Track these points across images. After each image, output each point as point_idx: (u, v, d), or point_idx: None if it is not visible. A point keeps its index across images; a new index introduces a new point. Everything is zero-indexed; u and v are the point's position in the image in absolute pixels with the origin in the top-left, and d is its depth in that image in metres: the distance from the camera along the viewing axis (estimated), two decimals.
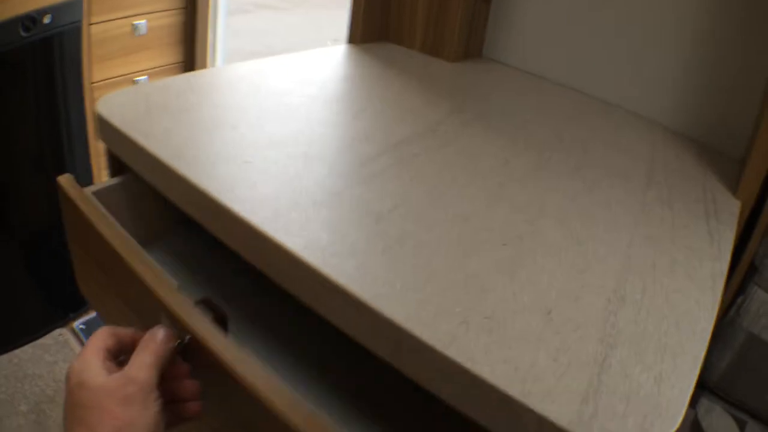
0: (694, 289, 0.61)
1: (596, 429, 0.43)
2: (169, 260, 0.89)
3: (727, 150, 1.00)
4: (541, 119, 1.01)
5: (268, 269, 0.62)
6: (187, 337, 0.55)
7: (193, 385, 0.55)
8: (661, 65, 1.07)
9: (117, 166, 0.86)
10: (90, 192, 0.78)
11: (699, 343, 0.54)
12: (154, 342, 0.52)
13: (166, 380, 0.53)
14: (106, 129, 0.81)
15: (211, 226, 0.68)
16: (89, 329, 1.82)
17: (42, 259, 1.69)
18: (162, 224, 0.92)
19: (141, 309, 0.63)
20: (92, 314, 1.85)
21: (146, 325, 0.56)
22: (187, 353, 0.55)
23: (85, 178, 1.86)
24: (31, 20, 1.46)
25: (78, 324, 1.83)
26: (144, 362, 0.50)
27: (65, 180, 0.77)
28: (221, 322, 0.64)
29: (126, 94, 0.87)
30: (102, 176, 1.97)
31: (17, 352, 1.76)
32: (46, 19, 1.50)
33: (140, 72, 2.05)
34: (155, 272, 0.61)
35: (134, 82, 2.03)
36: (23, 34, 1.45)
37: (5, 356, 1.74)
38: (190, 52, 2.19)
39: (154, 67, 2.09)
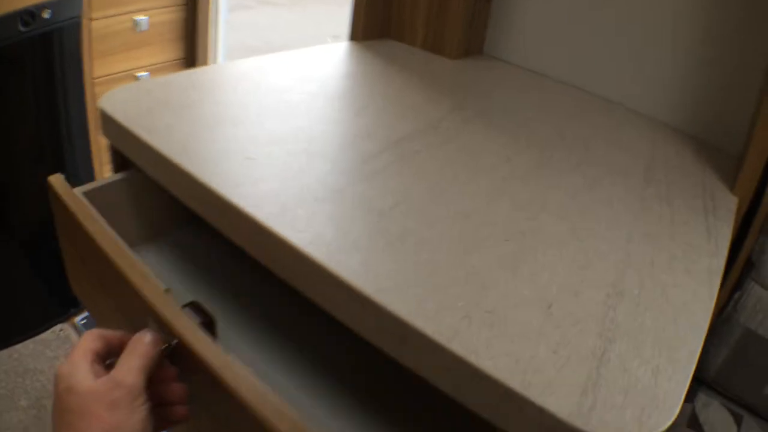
0: (691, 284, 0.62)
1: (595, 420, 0.44)
2: (171, 256, 0.90)
3: (726, 147, 1.01)
4: (542, 117, 1.02)
5: (272, 264, 0.63)
6: (175, 340, 0.54)
7: (180, 389, 0.55)
8: (660, 63, 1.08)
9: (120, 161, 0.87)
10: (80, 192, 0.78)
11: (696, 338, 0.55)
12: (142, 345, 0.52)
13: (153, 383, 0.53)
14: (110, 125, 0.81)
15: (215, 221, 0.69)
16: (90, 325, 1.82)
17: (42, 255, 1.69)
18: (164, 220, 0.93)
19: (130, 310, 0.63)
20: None
21: (136, 327, 0.56)
22: (175, 357, 0.55)
23: (86, 173, 1.86)
24: (30, 15, 1.45)
25: (79, 319, 1.83)
26: (131, 366, 0.50)
27: (55, 180, 0.76)
28: (209, 325, 0.63)
29: (128, 90, 0.88)
30: (103, 172, 1.97)
31: (18, 347, 1.76)
32: (46, 14, 1.49)
33: (141, 68, 2.05)
34: (143, 275, 0.60)
35: (135, 78, 2.04)
36: (22, 29, 1.45)
37: (5, 351, 1.74)
38: (191, 48, 2.19)
39: (156, 63, 2.09)
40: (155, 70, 2.09)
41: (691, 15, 1.01)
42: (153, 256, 0.89)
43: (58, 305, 1.80)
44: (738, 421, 0.96)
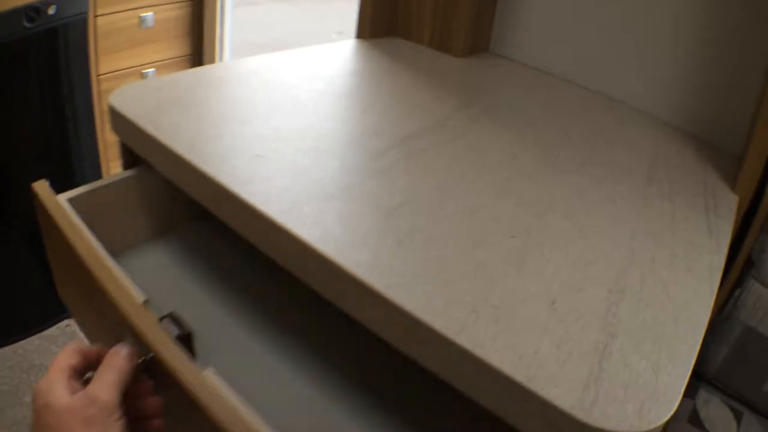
0: (692, 281, 0.63)
1: (597, 413, 0.45)
2: (179, 253, 0.91)
3: (728, 146, 1.02)
4: (547, 115, 1.03)
5: (282, 260, 0.64)
6: (151, 354, 0.54)
7: (156, 403, 0.56)
8: (663, 62, 1.08)
9: (130, 158, 0.88)
10: (65, 198, 0.77)
11: (695, 333, 0.56)
12: (117, 360, 0.52)
13: (130, 397, 0.53)
14: (119, 121, 0.82)
15: (226, 218, 0.70)
16: None
17: (46, 253, 1.70)
18: (172, 217, 0.94)
19: (110, 321, 0.62)
20: None
21: (116, 337, 0.57)
22: (152, 370, 0.55)
23: (92, 169, 1.87)
24: (35, 11, 1.45)
25: None
26: (106, 382, 0.50)
27: (39, 186, 0.76)
28: (186, 339, 0.63)
29: (137, 87, 0.89)
30: (110, 168, 1.98)
31: (23, 343, 1.76)
32: (51, 10, 1.50)
33: (147, 64, 2.05)
34: (121, 286, 0.60)
35: (141, 75, 2.04)
36: (27, 24, 1.45)
37: (10, 347, 1.74)
38: (198, 44, 2.19)
39: (162, 60, 2.09)
40: (161, 66, 2.09)
41: (693, 14, 1.02)
42: (160, 253, 0.90)
43: (59, 304, 1.81)
44: (738, 417, 0.96)
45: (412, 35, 1.29)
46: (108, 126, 1.90)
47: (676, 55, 1.06)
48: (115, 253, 0.85)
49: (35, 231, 1.63)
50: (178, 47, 2.14)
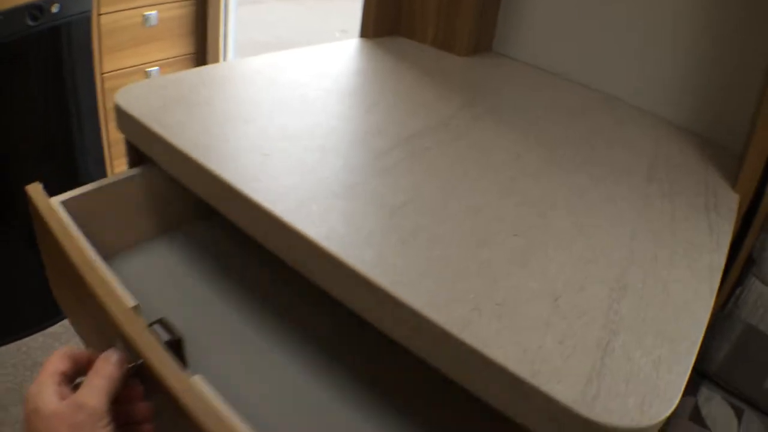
0: (692, 279, 0.63)
1: (599, 408, 0.46)
2: (184, 251, 0.91)
3: (729, 145, 1.02)
4: (550, 114, 1.03)
5: (289, 258, 0.65)
6: (140, 360, 0.54)
7: (145, 408, 0.56)
8: (666, 61, 1.09)
9: (135, 156, 0.89)
10: (58, 201, 0.77)
11: (696, 331, 0.56)
12: (107, 366, 0.52)
13: (120, 403, 0.54)
14: (125, 120, 0.83)
15: (233, 216, 0.71)
16: None
17: None
18: (171, 218, 0.94)
19: (102, 325, 0.62)
20: None
21: (108, 341, 0.57)
22: (142, 375, 0.55)
23: (97, 167, 1.88)
24: (38, 9, 1.46)
25: None
26: (95, 387, 0.51)
27: (32, 189, 0.75)
28: (176, 344, 0.63)
29: (143, 86, 0.89)
30: (115, 165, 1.99)
31: (27, 340, 1.77)
32: (54, 9, 1.50)
33: (151, 63, 2.06)
34: (111, 291, 0.60)
35: (145, 73, 2.05)
36: (30, 23, 1.45)
37: (14, 345, 1.75)
38: (202, 43, 2.20)
39: (165, 58, 2.10)
40: (165, 65, 2.10)
41: (694, 14, 1.03)
42: (159, 253, 0.90)
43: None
44: (739, 415, 0.97)
45: (416, 34, 1.30)
46: (112, 124, 1.91)
47: (678, 55, 1.07)
48: (113, 255, 0.86)
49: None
50: (182, 46, 2.14)
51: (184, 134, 0.77)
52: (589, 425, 0.46)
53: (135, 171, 0.87)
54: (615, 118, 1.07)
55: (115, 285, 0.61)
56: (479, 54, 1.29)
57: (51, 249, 0.72)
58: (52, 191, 0.79)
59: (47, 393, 0.49)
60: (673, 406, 0.48)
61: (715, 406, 0.98)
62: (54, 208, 0.73)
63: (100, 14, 1.80)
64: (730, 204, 0.81)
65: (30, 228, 0.77)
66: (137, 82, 0.90)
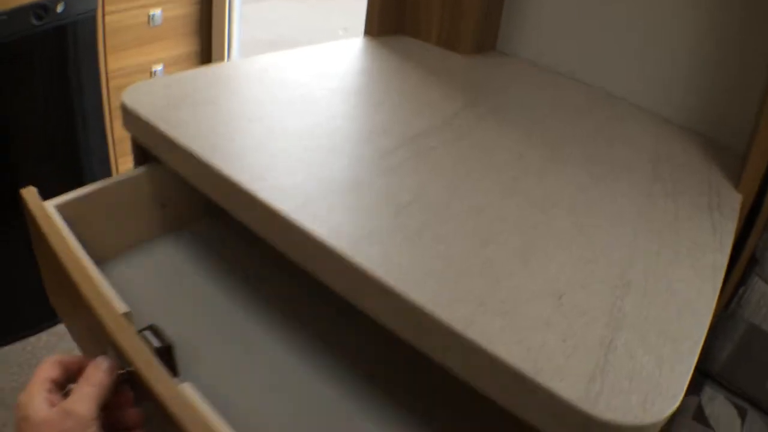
0: (695, 278, 0.64)
1: (602, 405, 0.46)
2: (190, 249, 0.92)
3: (732, 145, 1.02)
4: (554, 113, 1.03)
5: (295, 255, 0.66)
6: (130, 367, 0.54)
7: (136, 414, 0.56)
8: (670, 61, 1.09)
9: (141, 155, 0.90)
10: (53, 205, 0.77)
11: (699, 329, 0.57)
12: (97, 373, 0.53)
13: (111, 409, 0.54)
14: (132, 119, 0.84)
15: (239, 214, 0.72)
16: None
17: None
18: (178, 216, 0.95)
19: (94, 330, 0.61)
20: None
21: (101, 347, 0.57)
22: (133, 382, 0.55)
23: (102, 165, 1.88)
24: (43, 9, 1.47)
25: None
26: (84, 394, 0.51)
27: (27, 192, 0.75)
28: (166, 351, 0.63)
29: (149, 85, 0.90)
30: (120, 164, 2.00)
31: (31, 339, 1.78)
32: (59, 8, 1.51)
33: (156, 61, 2.07)
34: (102, 297, 0.59)
35: (150, 72, 2.06)
36: (35, 22, 1.46)
37: (19, 344, 1.76)
38: (206, 41, 2.21)
39: (170, 57, 2.11)
40: (170, 63, 2.11)
41: (698, 14, 1.03)
42: (167, 249, 0.91)
43: None
44: (742, 414, 0.97)
45: (420, 33, 1.30)
46: (117, 122, 1.92)
47: (682, 55, 1.07)
48: (113, 256, 0.86)
49: None
50: (187, 44, 2.15)
51: (190, 133, 0.78)
52: (593, 422, 0.46)
53: (134, 172, 0.87)
54: (618, 118, 1.07)
55: (106, 291, 0.61)
56: (483, 53, 1.29)
57: (45, 253, 0.72)
58: (56, 190, 0.80)
59: (37, 400, 0.50)
60: (676, 404, 0.48)
61: (718, 406, 0.98)
62: (48, 211, 0.73)
63: (105, 13, 1.81)
64: (733, 204, 0.81)
65: None
66: (143, 81, 0.91)
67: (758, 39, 0.97)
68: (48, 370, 0.53)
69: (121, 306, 0.60)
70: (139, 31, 1.96)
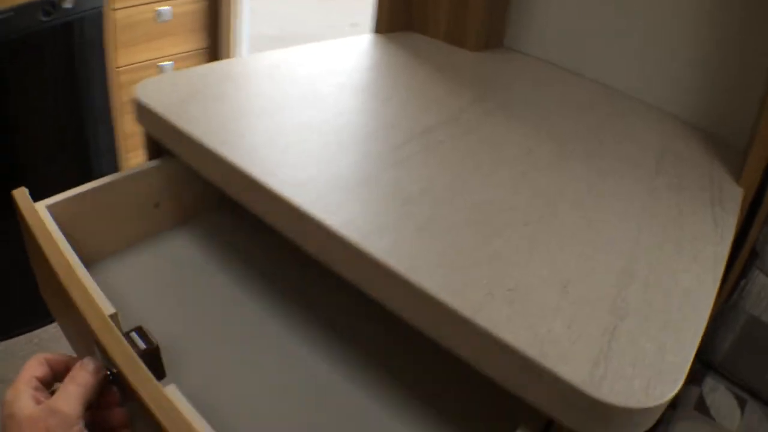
0: (697, 270, 0.65)
1: (606, 389, 0.48)
2: (203, 241, 0.93)
3: (734, 141, 1.03)
4: (560, 109, 1.04)
5: (308, 246, 0.67)
6: (114, 368, 0.54)
7: (121, 414, 0.56)
8: (675, 58, 1.10)
9: (154, 148, 0.91)
10: (44, 205, 0.76)
11: (699, 318, 0.58)
12: (83, 373, 0.53)
13: (96, 408, 0.55)
14: (145, 114, 0.85)
15: (253, 207, 0.73)
16: None
17: None
18: (178, 214, 0.95)
19: (83, 330, 0.61)
20: None
21: (90, 347, 0.57)
22: (119, 382, 0.54)
23: (110, 159, 1.89)
24: (51, 5, 1.47)
25: None
26: (69, 394, 0.51)
27: (18, 193, 0.74)
28: (152, 353, 0.62)
29: (160, 80, 0.91)
30: (128, 159, 2.01)
31: (38, 332, 1.78)
32: (67, 4, 1.52)
33: (165, 57, 2.07)
34: (89, 298, 0.59)
35: (159, 68, 2.06)
36: (43, 18, 1.47)
37: (25, 336, 1.76)
38: (215, 37, 2.21)
39: (179, 53, 2.11)
40: (178, 59, 2.11)
41: (702, 13, 1.04)
42: (164, 248, 0.91)
43: None
44: (742, 405, 0.98)
45: (428, 30, 1.31)
46: (126, 118, 1.94)
47: (686, 52, 1.08)
48: (102, 257, 0.86)
49: None
50: (195, 40, 2.15)
51: (204, 127, 0.79)
52: (597, 405, 0.48)
53: (127, 172, 0.86)
54: (623, 114, 1.08)
55: (93, 292, 0.61)
56: (490, 49, 1.30)
57: (35, 254, 0.71)
58: (64, 185, 0.80)
59: (23, 398, 0.50)
60: (677, 389, 0.50)
61: (719, 396, 0.99)
62: (38, 212, 0.72)
63: (114, 9, 1.81)
64: (734, 198, 0.83)
65: None
66: (154, 76, 0.92)
67: (759, 38, 0.99)
68: (34, 369, 0.53)
69: (107, 307, 0.60)
70: (147, 27, 1.96)
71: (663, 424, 0.93)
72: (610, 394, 0.48)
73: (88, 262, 0.83)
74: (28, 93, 1.54)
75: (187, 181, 0.93)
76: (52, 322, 1.80)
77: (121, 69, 1.93)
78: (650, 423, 0.50)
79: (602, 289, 0.60)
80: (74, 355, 0.62)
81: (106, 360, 0.55)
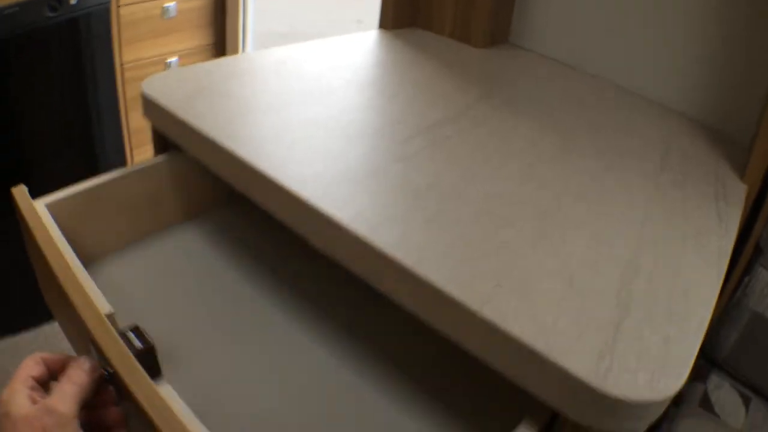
0: (701, 263, 0.66)
1: (611, 381, 0.48)
2: (211, 237, 0.94)
3: (738, 138, 1.03)
4: (566, 105, 1.05)
5: (317, 240, 0.68)
6: (110, 368, 0.54)
7: (117, 413, 0.56)
8: (679, 55, 1.10)
9: (161, 143, 0.92)
10: (43, 204, 0.76)
11: (703, 311, 0.59)
12: (79, 373, 0.52)
13: (92, 407, 0.54)
14: (152, 108, 0.86)
15: (262, 201, 0.74)
16: None
17: None
18: (179, 212, 0.96)
19: (80, 329, 0.60)
20: None
21: (86, 346, 0.57)
22: (115, 382, 0.54)
23: (117, 155, 1.90)
24: (56, 0, 1.48)
25: None
26: (65, 393, 0.51)
27: (17, 191, 0.74)
28: (148, 353, 0.61)
29: (167, 76, 0.92)
30: (137, 154, 2.02)
31: (44, 327, 1.79)
32: (73, 0, 1.53)
33: (170, 53, 2.07)
34: (86, 297, 0.59)
35: (165, 63, 2.06)
36: (49, 14, 1.48)
37: (32, 332, 1.77)
38: (221, 33, 2.21)
39: (184, 49, 2.11)
40: (184, 55, 2.11)
41: (707, 11, 1.04)
42: (164, 246, 0.91)
43: None
44: (746, 402, 0.98)
45: (434, 26, 1.31)
46: (133, 113, 1.94)
47: (693, 48, 1.08)
48: (102, 256, 0.86)
49: None
50: (201, 36, 2.15)
51: (212, 122, 0.80)
52: (602, 398, 0.48)
53: (127, 170, 0.86)
54: (628, 109, 1.08)
55: (90, 291, 0.60)
56: (496, 46, 1.30)
57: (34, 252, 0.71)
58: (70, 181, 0.80)
59: (19, 397, 0.50)
60: (681, 382, 0.50)
61: (723, 394, 0.99)
62: (37, 210, 0.72)
63: (120, 5, 1.82)
64: (738, 194, 0.83)
65: None
66: (160, 72, 0.92)
67: (765, 35, 0.99)
68: (31, 368, 0.53)
69: (104, 306, 0.60)
70: (153, 24, 1.96)
71: (667, 421, 0.94)
72: (615, 386, 0.48)
73: (90, 260, 0.84)
74: (34, 89, 1.55)
75: (192, 177, 0.93)
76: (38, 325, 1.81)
77: (126, 65, 1.93)
78: (655, 416, 0.51)
79: (608, 282, 0.60)
80: (74, 353, 0.63)
81: (101, 359, 0.55)
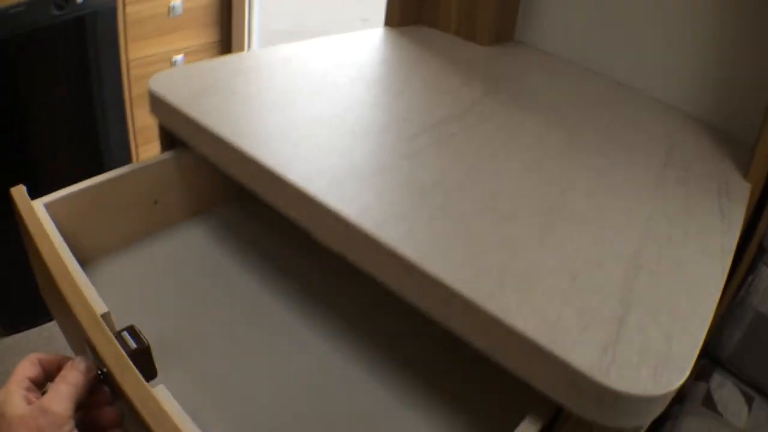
0: (705, 260, 0.66)
1: (614, 375, 0.49)
2: (216, 233, 0.94)
3: (743, 137, 1.03)
4: (571, 102, 1.05)
5: (324, 236, 0.68)
6: (105, 368, 0.54)
7: (112, 413, 0.56)
8: (685, 54, 1.10)
9: (168, 140, 0.93)
10: (41, 203, 0.75)
11: (707, 308, 0.59)
12: (74, 373, 0.53)
13: (88, 408, 0.55)
14: (160, 106, 0.86)
15: (269, 197, 0.74)
16: None
17: None
18: (177, 211, 0.96)
19: (77, 330, 0.60)
20: None
21: (82, 346, 0.58)
22: (110, 382, 0.54)
23: (122, 152, 1.91)
24: None
25: None
26: (60, 393, 0.51)
27: (16, 191, 0.73)
28: (143, 353, 0.60)
29: (174, 73, 0.92)
30: (142, 152, 2.02)
31: (48, 325, 1.79)
32: None
33: (176, 51, 2.08)
34: (81, 297, 0.59)
35: (171, 61, 2.07)
36: (55, 12, 1.48)
37: (36, 330, 1.78)
38: (226, 31, 2.21)
39: (190, 47, 2.11)
40: (190, 53, 2.11)
41: (714, 11, 1.04)
42: (163, 246, 0.91)
43: None
44: (749, 402, 0.98)
45: (439, 24, 1.31)
46: (139, 111, 1.95)
47: (698, 48, 1.08)
48: (100, 256, 0.86)
49: None
50: (207, 34, 2.15)
51: (220, 119, 0.80)
52: (604, 391, 0.49)
53: (125, 169, 0.86)
54: (634, 107, 1.08)
55: (86, 291, 0.60)
56: (501, 43, 1.30)
57: (32, 252, 0.71)
58: (76, 179, 0.80)
59: (15, 398, 0.50)
60: (684, 377, 0.50)
61: (726, 393, 0.99)
62: (35, 210, 0.72)
63: (126, 4, 1.82)
64: (741, 192, 0.83)
65: None
66: (167, 70, 0.93)
67: None
68: (27, 369, 0.53)
69: (100, 306, 0.60)
70: (159, 22, 1.97)
71: (670, 420, 0.94)
72: (618, 381, 0.49)
73: (89, 260, 0.85)
74: (40, 87, 1.56)
75: (199, 174, 0.94)
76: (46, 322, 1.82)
77: (132, 63, 1.94)
78: (657, 411, 0.51)
79: (611, 278, 0.60)
80: (73, 353, 0.63)
81: (96, 359, 0.55)
